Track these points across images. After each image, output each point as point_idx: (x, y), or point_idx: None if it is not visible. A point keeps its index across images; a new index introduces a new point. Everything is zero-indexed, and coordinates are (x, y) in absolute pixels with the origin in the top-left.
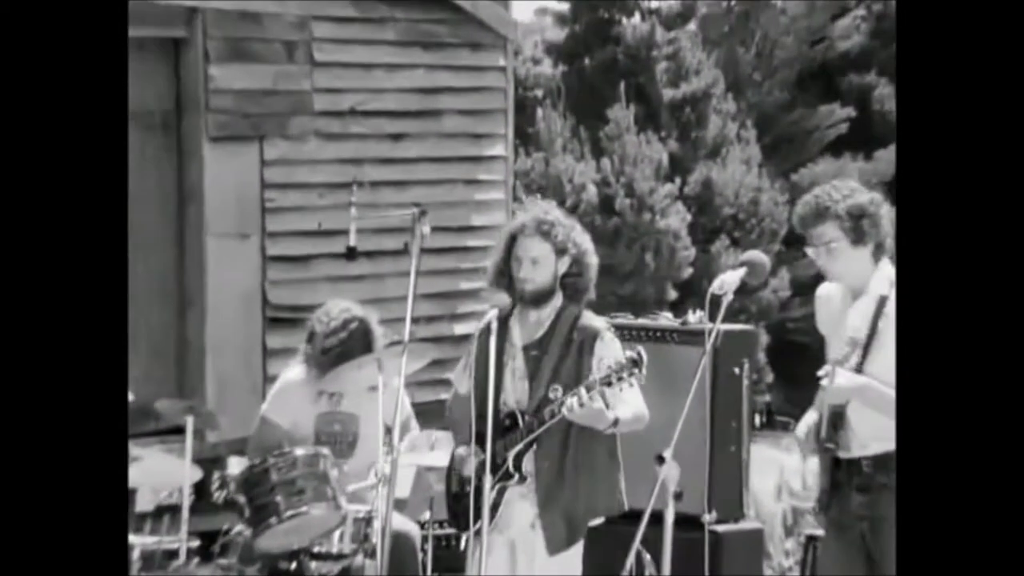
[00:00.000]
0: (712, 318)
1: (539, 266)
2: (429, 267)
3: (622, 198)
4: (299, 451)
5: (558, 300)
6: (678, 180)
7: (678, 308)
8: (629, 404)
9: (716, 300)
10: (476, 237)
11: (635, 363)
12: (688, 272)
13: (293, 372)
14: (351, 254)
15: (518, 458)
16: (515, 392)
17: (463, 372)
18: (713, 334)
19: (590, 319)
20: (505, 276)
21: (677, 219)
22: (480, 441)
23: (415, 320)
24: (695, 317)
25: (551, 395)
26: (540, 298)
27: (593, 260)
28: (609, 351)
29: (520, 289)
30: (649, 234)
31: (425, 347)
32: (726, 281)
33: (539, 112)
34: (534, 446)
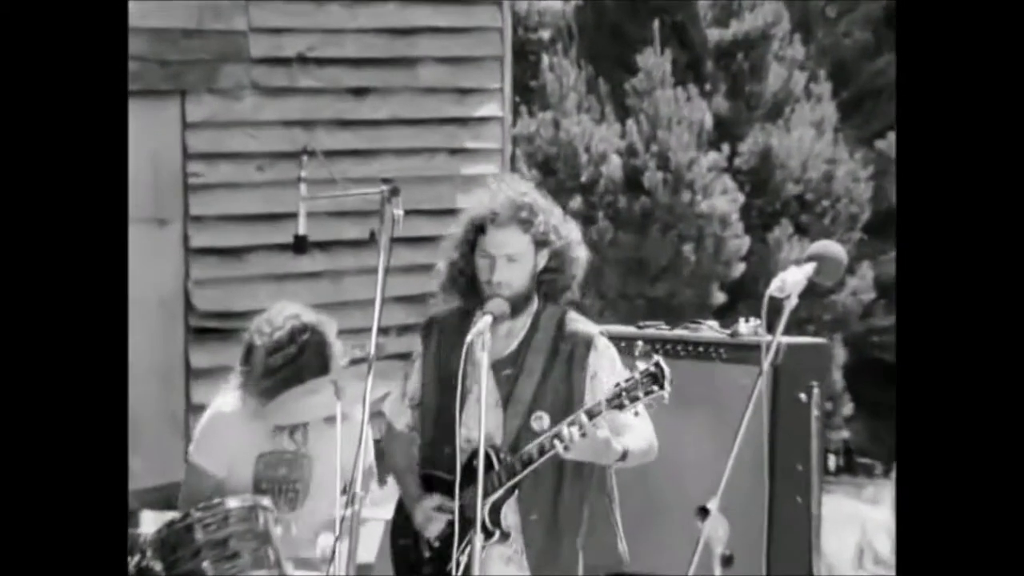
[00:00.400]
0: (771, 328)
1: (516, 265)
2: (402, 262)
3: (653, 172)
4: (232, 502)
5: (534, 303)
6: (726, 148)
7: (726, 315)
8: (637, 430)
9: (776, 305)
10: None
11: (655, 378)
12: (739, 269)
13: (226, 400)
14: (300, 245)
15: (495, 510)
16: (483, 424)
17: (400, 402)
18: (772, 349)
19: (577, 322)
20: (465, 277)
21: (725, 199)
22: (443, 491)
23: (384, 330)
24: (748, 327)
25: (534, 424)
26: (516, 306)
27: (580, 254)
28: (604, 363)
29: (490, 296)
30: (688, 219)
31: (397, 366)
32: (789, 280)
33: (545, 60)
34: (515, 493)
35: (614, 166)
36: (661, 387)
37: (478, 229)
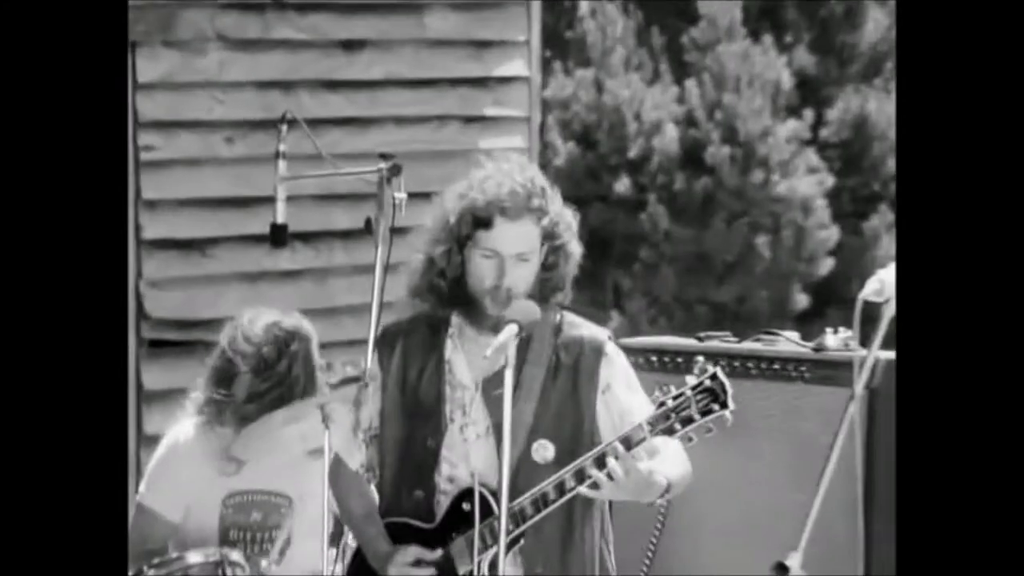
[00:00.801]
0: (866, 341)
1: (527, 265)
2: (405, 257)
3: (718, 145)
4: (193, 557)
5: None
6: (810, 115)
7: (811, 324)
8: (668, 453)
9: (873, 311)
10: None
11: (712, 394)
12: (826, 266)
13: (183, 429)
14: (279, 236)
15: (494, 564)
16: (471, 458)
17: (352, 436)
18: (868, 367)
19: (580, 326)
20: (447, 280)
21: (810, 180)
22: (419, 542)
23: None
24: (838, 339)
25: (535, 456)
26: None
27: (577, 249)
28: (618, 373)
29: (494, 304)
30: (762, 204)
31: None
32: (889, 281)
33: (584, 6)
34: (520, 542)
35: (669, 138)
36: (723, 404)
37: (479, 223)
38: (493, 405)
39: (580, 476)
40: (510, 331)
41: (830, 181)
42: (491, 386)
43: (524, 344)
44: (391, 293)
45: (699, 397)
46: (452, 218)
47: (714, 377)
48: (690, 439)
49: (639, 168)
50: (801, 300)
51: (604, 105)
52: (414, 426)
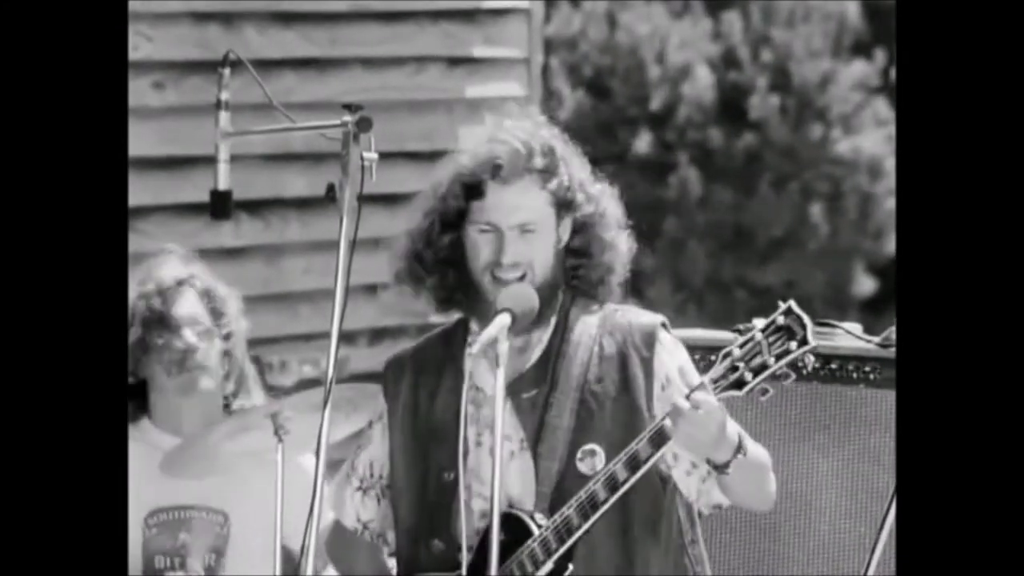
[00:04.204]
0: None
1: (534, 238)
2: (376, 231)
3: (765, 94)
4: None
5: (559, 296)
6: (881, 56)
7: (877, 313)
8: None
9: None
10: None
11: (788, 332)
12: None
13: None
14: (220, 205)
15: None
16: (507, 480)
17: (345, 485)
18: None
19: (628, 312)
20: (445, 265)
21: (879, 136)
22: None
23: (349, 337)
24: None
25: (581, 466)
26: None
27: (619, 240)
28: (684, 365)
29: (494, 286)
30: (819, 165)
31: (365, 391)
32: None
33: None
34: (569, 568)
35: (702, 85)
36: (803, 342)
37: (470, 191)
38: (523, 410)
39: (633, 464)
40: (501, 322)
41: None
42: (518, 389)
43: (560, 336)
44: (360, 276)
45: (772, 339)
46: (442, 188)
47: (788, 312)
48: (765, 391)
49: (664, 122)
50: (865, 284)
51: (619, 45)
52: (428, 461)
